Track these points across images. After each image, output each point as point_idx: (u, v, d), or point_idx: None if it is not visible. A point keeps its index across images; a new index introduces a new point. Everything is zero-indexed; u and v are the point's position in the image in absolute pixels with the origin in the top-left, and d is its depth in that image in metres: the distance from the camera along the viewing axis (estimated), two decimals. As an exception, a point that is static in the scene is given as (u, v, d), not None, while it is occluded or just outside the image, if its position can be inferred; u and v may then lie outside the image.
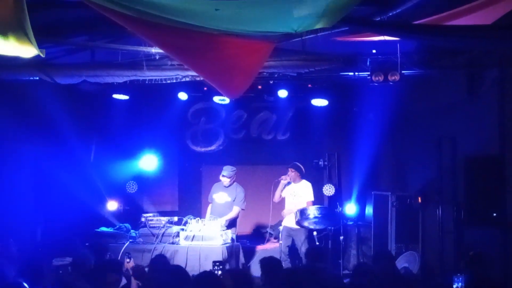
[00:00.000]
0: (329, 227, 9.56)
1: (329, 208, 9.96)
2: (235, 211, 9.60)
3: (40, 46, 5.50)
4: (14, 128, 9.30)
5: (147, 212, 9.83)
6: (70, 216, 9.83)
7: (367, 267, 6.04)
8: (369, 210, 11.33)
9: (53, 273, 8.11)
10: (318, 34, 6.25)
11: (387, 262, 5.66)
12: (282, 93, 10.25)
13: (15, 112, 9.18)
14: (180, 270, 5.43)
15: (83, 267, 6.27)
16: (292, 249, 9.77)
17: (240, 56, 6.29)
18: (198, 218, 9.28)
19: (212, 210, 9.74)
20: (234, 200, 9.66)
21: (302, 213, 9.28)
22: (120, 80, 8.85)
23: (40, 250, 9.73)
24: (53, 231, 9.90)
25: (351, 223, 10.96)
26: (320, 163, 12.03)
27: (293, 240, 9.78)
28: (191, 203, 11.94)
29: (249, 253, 9.79)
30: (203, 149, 12.74)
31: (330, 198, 11.43)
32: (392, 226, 10.21)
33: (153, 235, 8.87)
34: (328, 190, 11.34)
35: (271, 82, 9.86)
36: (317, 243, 9.43)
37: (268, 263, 6.11)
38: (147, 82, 8.78)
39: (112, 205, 11.04)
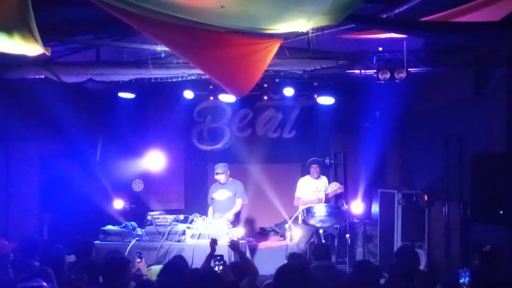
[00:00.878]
0: (335, 225, 9.54)
1: (335, 206, 9.93)
2: (238, 204, 9.69)
3: (45, 44, 5.51)
4: (20, 127, 9.31)
5: (153, 211, 9.83)
6: (77, 215, 9.85)
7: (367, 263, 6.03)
8: (375, 208, 11.30)
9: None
10: (324, 32, 6.22)
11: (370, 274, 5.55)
12: (288, 91, 10.24)
13: (21, 111, 9.19)
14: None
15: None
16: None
17: (246, 54, 6.28)
18: (204, 216, 9.29)
19: (215, 209, 9.73)
20: (235, 194, 9.69)
21: (308, 211, 9.27)
22: (126, 78, 8.85)
23: (47, 248, 9.74)
24: (60, 230, 9.93)
25: (357, 221, 10.94)
26: (326, 161, 12.00)
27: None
28: (197, 201, 11.92)
29: (255, 251, 9.77)
30: (209, 148, 12.74)
31: (336, 196, 11.40)
32: (398, 224, 10.17)
33: (159, 233, 8.88)
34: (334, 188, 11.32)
35: (277, 80, 9.86)
36: (323, 241, 9.41)
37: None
38: (152, 80, 8.78)
39: (118, 204, 11.05)
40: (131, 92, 9.89)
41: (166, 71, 8.59)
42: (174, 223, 9.01)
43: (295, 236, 9.82)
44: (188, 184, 12.65)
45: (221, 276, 5.48)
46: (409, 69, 8.06)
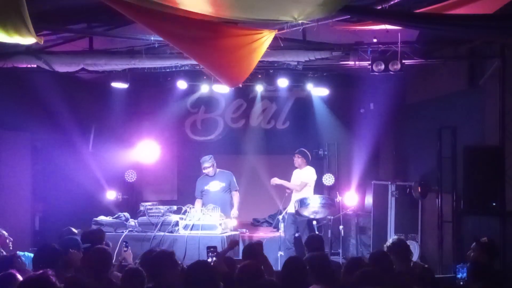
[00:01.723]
0: (329, 217, 9.55)
1: (329, 197, 9.93)
2: (236, 197, 9.66)
3: (38, 33, 5.46)
4: (11, 117, 9.25)
5: (146, 201, 9.81)
6: (69, 205, 9.81)
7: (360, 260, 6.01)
8: (368, 199, 11.33)
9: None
10: (318, 23, 6.20)
11: None
12: (282, 82, 10.22)
13: (12, 100, 9.12)
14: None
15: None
16: (298, 237, 9.77)
17: (240, 45, 6.25)
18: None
19: (208, 200, 9.56)
20: (229, 185, 9.64)
21: (302, 202, 9.27)
22: (119, 68, 8.78)
23: (39, 239, 9.73)
24: (52, 220, 9.89)
25: (350, 212, 10.95)
26: (320, 152, 12.03)
27: (297, 228, 9.79)
28: (190, 192, 11.83)
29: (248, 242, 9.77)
30: (202, 138, 12.73)
31: (329, 187, 11.42)
32: (392, 216, 10.22)
33: (152, 224, 8.85)
34: (328, 179, 11.33)
35: (271, 71, 9.84)
36: (317, 233, 9.41)
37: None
38: (146, 70, 8.72)
39: (111, 194, 11.02)
40: (124, 82, 9.83)
41: (159, 61, 8.53)
42: (167, 214, 8.99)
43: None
44: (181, 175, 12.64)
45: (214, 267, 5.48)
46: (404, 61, 8.04)
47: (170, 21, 5.60)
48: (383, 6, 6.08)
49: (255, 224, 12.02)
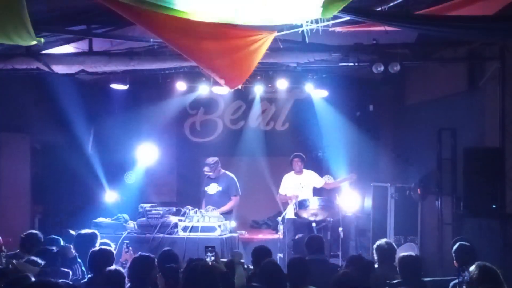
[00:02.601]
0: (328, 219, 9.52)
1: (329, 199, 9.91)
2: (233, 201, 9.56)
3: (38, 35, 5.45)
4: (11, 118, 9.25)
5: (145, 203, 9.79)
6: (68, 207, 9.81)
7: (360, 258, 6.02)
8: (368, 201, 11.31)
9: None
10: (318, 25, 6.20)
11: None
12: (282, 84, 10.21)
13: (12, 102, 9.13)
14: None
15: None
16: (298, 242, 9.72)
17: (240, 46, 6.25)
18: (197, 209, 9.24)
19: (207, 202, 9.64)
20: (228, 189, 9.60)
21: (301, 204, 9.25)
22: (118, 70, 8.79)
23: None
24: (51, 222, 9.89)
25: (350, 214, 10.93)
26: (319, 154, 12.01)
27: (297, 230, 9.75)
28: (189, 193, 11.91)
29: (247, 244, 9.76)
30: (201, 140, 12.72)
31: (329, 189, 11.39)
32: (391, 218, 10.19)
33: (151, 225, 8.83)
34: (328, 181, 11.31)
35: (270, 72, 9.83)
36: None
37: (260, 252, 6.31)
38: (145, 72, 8.72)
39: (110, 196, 11.00)
40: (124, 83, 9.82)
41: (159, 63, 8.53)
42: (167, 215, 8.97)
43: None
44: (180, 176, 12.63)
45: (213, 267, 5.47)
46: (403, 62, 8.04)
47: (169, 23, 5.59)
48: (382, 7, 6.08)
49: (255, 226, 12.00)
